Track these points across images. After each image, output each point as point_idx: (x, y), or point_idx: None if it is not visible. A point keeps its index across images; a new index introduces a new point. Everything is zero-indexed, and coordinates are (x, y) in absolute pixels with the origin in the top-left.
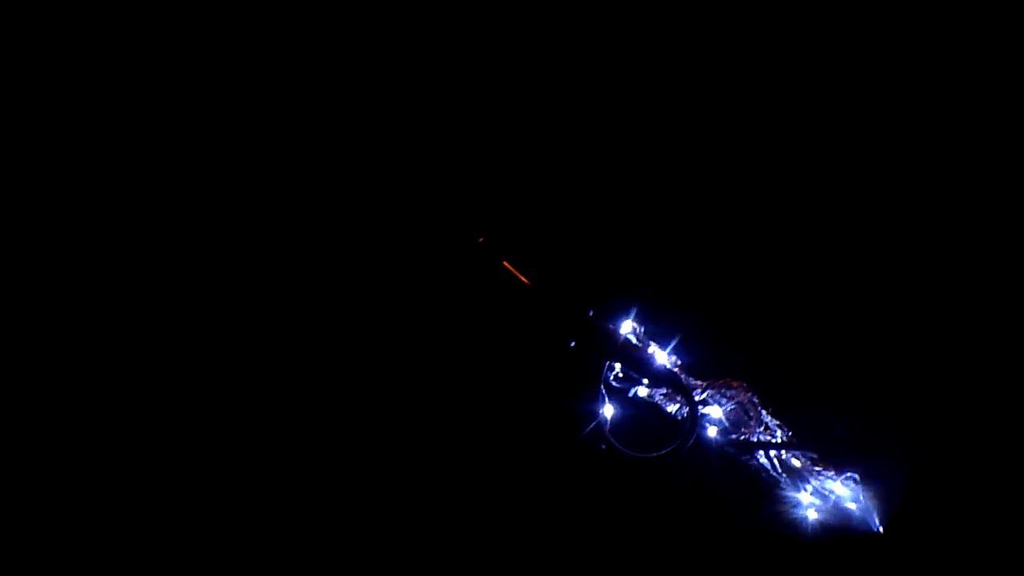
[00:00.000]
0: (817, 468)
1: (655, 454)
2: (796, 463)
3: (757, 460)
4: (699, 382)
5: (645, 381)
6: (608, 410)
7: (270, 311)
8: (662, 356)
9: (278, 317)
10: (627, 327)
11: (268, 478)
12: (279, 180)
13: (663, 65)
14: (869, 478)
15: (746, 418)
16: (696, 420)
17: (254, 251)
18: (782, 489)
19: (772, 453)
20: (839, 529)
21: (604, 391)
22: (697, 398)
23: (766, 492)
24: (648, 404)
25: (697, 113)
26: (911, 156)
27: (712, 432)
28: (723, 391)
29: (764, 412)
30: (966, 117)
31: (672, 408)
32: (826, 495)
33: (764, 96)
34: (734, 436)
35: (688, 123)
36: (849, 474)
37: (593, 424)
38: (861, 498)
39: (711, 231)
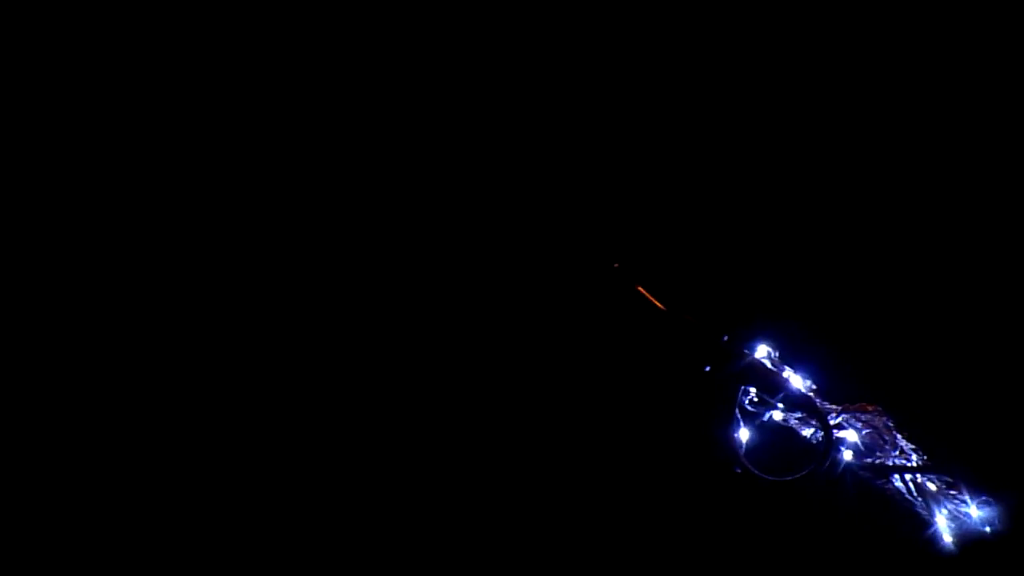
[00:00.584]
0: (952, 492)
1: (790, 477)
2: (931, 486)
3: (892, 484)
4: (834, 406)
5: (780, 405)
6: (743, 434)
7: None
8: (797, 380)
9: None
10: (762, 351)
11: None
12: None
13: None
14: (1005, 501)
15: (881, 442)
16: (831, 444)
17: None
18: (917, 513)
19: (907, 477)
20: (975, 552)
21: (739, 415)
22: (832, 422)
23: (901, 516)
24: (783, 428)
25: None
26: None
27: (847, 456)
28: (858, 415)
29: (899, 436)
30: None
31: (807, 432)
32: (961, 518)
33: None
34: (869, 460)
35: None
36: (985, 497)
37: (732, 452)
38: (997, 521)
39: (845, 256)
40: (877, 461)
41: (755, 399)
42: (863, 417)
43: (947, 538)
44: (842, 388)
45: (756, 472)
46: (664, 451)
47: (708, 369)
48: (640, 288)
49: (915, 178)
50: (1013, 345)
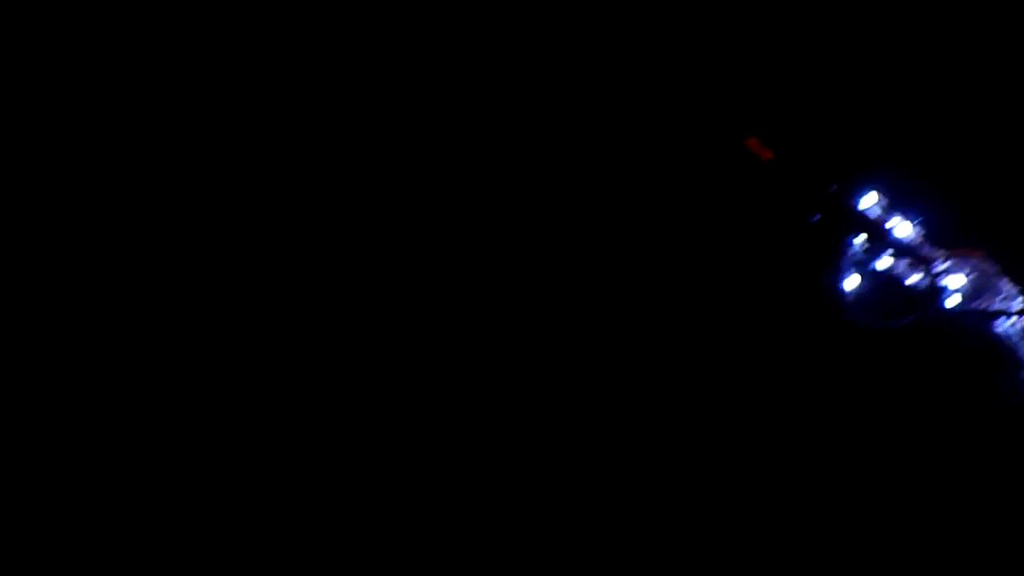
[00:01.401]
0: None
1: (897, 323)
2: None
3: (998, 328)
4: (940, 252)
5: (888, 252)
6: (852, 281)
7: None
8: (905, 227)
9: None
10: (870, 199)
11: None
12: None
13: None
14: None
15: (986, 287)
16: (937, 290)
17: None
18: (1022, 355)
19: (1012, 320)
20: None
21: (847, 263)
22: (938, 268)
23: (1007, 360)
24: (891, 275)
25: None
26: None
27: (954, 301)
28: (964, 260)
29: (1004, 280)
30: None
31: (914, 278)
32: None
33: None
34: (974, 304)
35: None
36: None
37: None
38: None
39: (950, 100)
40: (983, 306)
41: (864, 246)
42: (969, 262)
43: None
44: (949, 233)
45: (865, 318)
46: (776, 302)
47: (817, 218)
48: (751, 140)
49: None
50: None
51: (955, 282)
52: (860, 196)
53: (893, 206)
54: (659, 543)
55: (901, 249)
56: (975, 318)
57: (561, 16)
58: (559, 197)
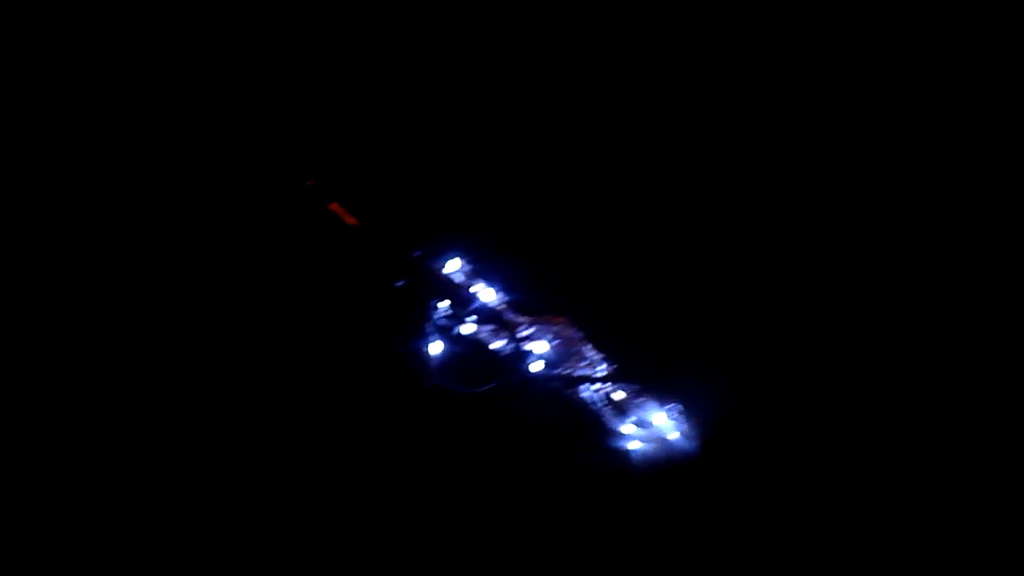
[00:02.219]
0: (640, 400)
1: (481, 389)
2: (619, 395)
3: (581, 393)
4: (524, 318)
5: (471, 318)
6: (436, 347)
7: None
8: (488, 294)
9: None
10: (454, 265)
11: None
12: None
13: None
14: (691, 408)
15: (570, 353)
16: (520, 355)
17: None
18: (605, 421)
19: (595, 386)
20: (662, 458)
21: (431, 329)
22: (522, 334)
23: (590, 424)
24: (475, 341)
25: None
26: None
27: (538, 367)
28: (547, 327)
29: (587, 347)
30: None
31: (498, 344)
32: (649, 425)
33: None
34: (559, 370)
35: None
36: (672, 405)
37: (426, 369)
38: (683, 428)
39: (535, 170)
40: (567, 371)
41: (448, 311)
42: (552, 328)
43: (634, 445)
44: (532, 301)
45: (448, 384)
46: (358, 367)
47: (400, 284)
48: (333, 205)
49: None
50: (693, 251)
51: (539, 348)
52: (444, 261)
53: (477, 272)
54: None
55: (485, 315)
56: (559, 384)
57: None
58: None
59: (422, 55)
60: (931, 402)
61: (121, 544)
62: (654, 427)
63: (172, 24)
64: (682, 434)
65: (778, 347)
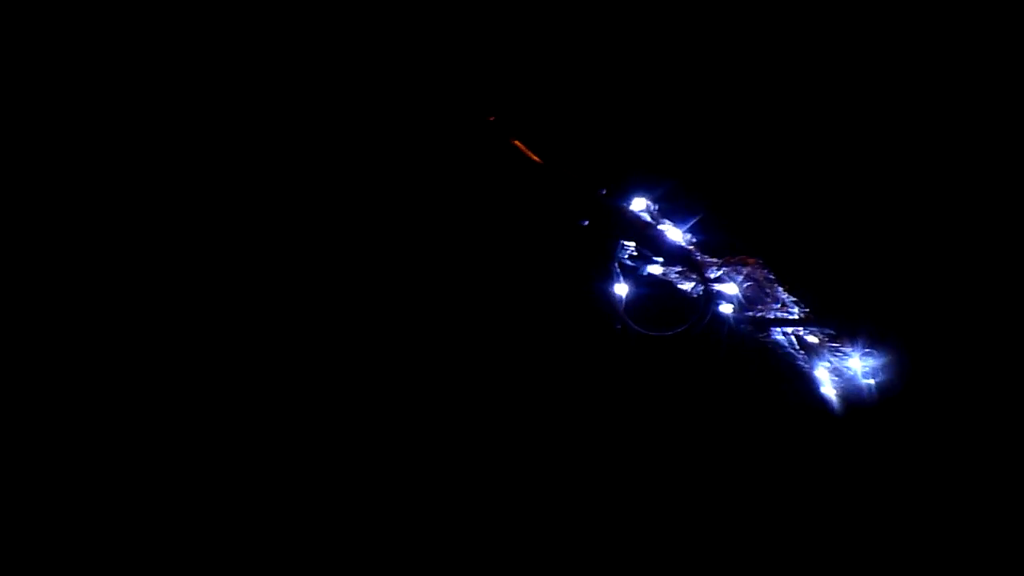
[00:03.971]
0: (834, 344)
1: (670, 332)
2: (813, 339)
3: (773, 337)
4: (714, 259)
5: (659, 259)
6: (622, 289)
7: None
8: (676, 233)
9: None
10: (640, 204)
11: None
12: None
13: None
14: (885, 352)
15: (762, 295)
16: (710, 297)
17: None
18: (799, 366)
19: (789, 330)
20: (856, 403)
21: (617, 270)
22: (712, 275)
23: (783, 369)
24: (662, 282)
25: None
26: None
27: (727, 309)
28: (738, 268)
29: (780, 289)
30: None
31: (687, 286)
32: (843, 371)
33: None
34: (750, 313)
35: None
36: (866, 349)
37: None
38: (878, 373)
39: (726, 105)
40: (758, 315)
41: (633, 253)
42: (743, 270)
43: (829, 391)
44: (722, 241)
45: (636, 327)
46: (544, 309)
47: (586, 223)
48: (516, 142)
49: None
50: (894, 193)
51: (729, 289)
52: (630, 199)
53: (663, 211)
54: None
55: (672, 255)
56: (750, 327)
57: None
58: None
59: None
60: None
61: (121, 544)
62: (849, 372)
63: None
64: (877, 379)
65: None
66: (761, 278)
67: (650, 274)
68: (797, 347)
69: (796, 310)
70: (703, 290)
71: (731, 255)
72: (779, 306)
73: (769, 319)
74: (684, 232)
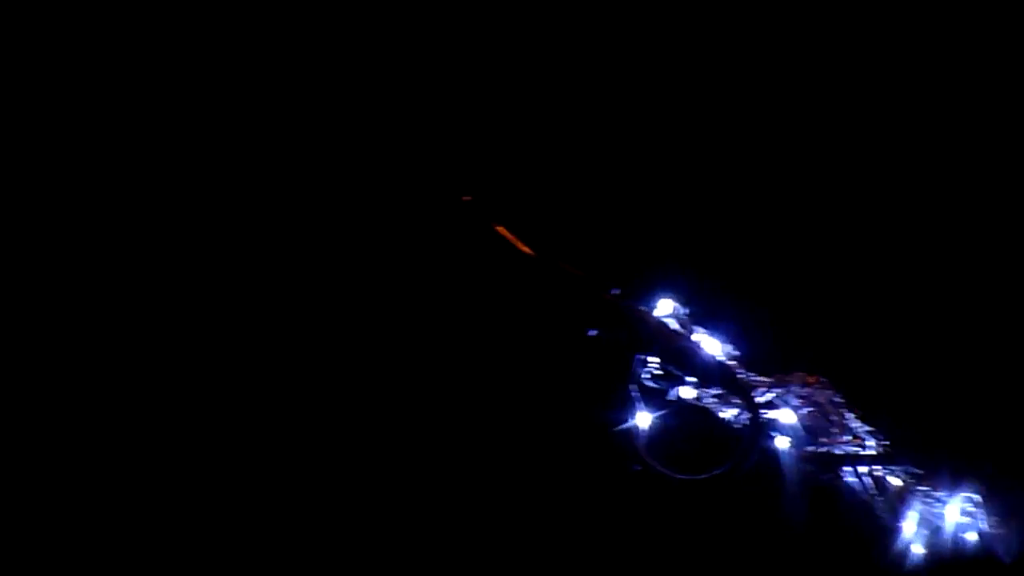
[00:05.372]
0: (924, 487)
1: (706, 475)
2: (896, 481)
3: (844, 479)
4: (763, 378)
5: (692, 379)
6: (643, 418)
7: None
8: (713, 345)
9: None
10: (665, 308)
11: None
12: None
13: None
14: (994, 499)
15: (827, 424)
16: (760, 429)
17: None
18: (878, 516)
19: (863, 469)
20: (956, 566)
21: (637, 393)
22: (761, 399)
23: (857, 521)
24: (695, 409)
25: None
26: None
27: (783, 444)
28: (795, 390)
29: (850, 415)
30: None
31: (728, 413)
32: (938, 523)
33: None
34: (812, 448)
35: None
36: (968, 494)
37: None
38: (985, 525)
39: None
40: (822, 449)
41: (657, 371)
42: (802, 392)
43: (918, 550)
44: (773, 355)
45: (661, 469)
46: (538, 441)
47: (594, 333)
48: (499, 228)
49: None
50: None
51: (784, 417)
52: (651, 303)
53: (696, 317)
54: None
55: (709, 373)
56: (813, 466)
57: None
58: None
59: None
60: None
61: (124, 542)
62: (945, 524)
63: None
64: (984, 534)
65: None
66: (826, 402)
67: (680, 399)
68: (875, 491)
69: (873, 443)
70: (750, 419)
71: (786, 373)
72: (850, 438)
73: (837, 455)
74: (724, 343)
